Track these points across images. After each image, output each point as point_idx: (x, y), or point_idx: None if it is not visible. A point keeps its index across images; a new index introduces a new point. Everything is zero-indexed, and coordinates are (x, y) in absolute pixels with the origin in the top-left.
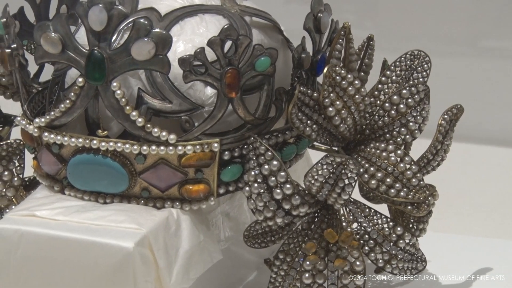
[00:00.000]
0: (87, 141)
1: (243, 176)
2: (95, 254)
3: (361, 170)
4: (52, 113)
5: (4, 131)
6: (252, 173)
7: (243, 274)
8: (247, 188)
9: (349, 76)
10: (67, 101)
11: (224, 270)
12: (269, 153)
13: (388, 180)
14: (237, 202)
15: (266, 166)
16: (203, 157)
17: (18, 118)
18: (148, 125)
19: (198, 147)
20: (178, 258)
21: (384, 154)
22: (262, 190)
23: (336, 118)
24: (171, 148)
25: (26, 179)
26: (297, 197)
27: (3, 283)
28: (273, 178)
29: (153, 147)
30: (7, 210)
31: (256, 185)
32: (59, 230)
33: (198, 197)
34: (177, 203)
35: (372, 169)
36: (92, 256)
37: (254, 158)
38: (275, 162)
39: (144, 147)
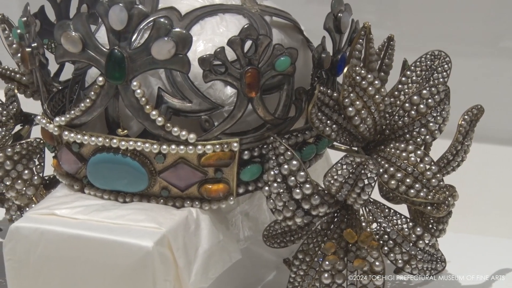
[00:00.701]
0: (107, 140)
1: (263, 175)
2: (115, 253)
3: (381, 170)
4: (72, 112)
5: (24, 130)
6: (272, 172)
7: (262, 274)
8: (267, 188)
9: (369, 76)
10: (87, 100)
11: (243, 269)
12: (289, 152)
13: (407, 180)
14: (257, 201)
15: (286, 166)
16: (223, 157)
17: (39, 117)
18: (168, 125)
19: (217, 146)
20: (197, 258)
21: (404, 154)
22: (281, 190)
23: (356, 118)
24: (190, 147)
25: (46, 177)
26: (316, 197)
27: (23, 282)
28: (293, 178)
29: (173, 147)
30: (27, 209)
31: (275, 184)
32: (78, 229)
33: (217, 196)
34: (197, 203)
35: (391, 169)
36: (112, 255)
37: (274, 158)
38: (294, 162)
39: (164, 147)
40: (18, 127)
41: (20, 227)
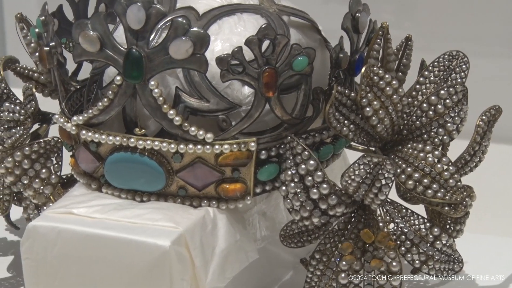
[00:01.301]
0: (125, 139)
1: (280, 175)
2: (132, 252)
3: (398, 170)
4: (90, 111)
5: (42, 129)
6: (289, 172)
7: (279, 274)
8: (284, 188)
9: (387, 76)
10: (105, 100)
11: (260, 269)
12: (306, 152)
13: (425, 180)
14: (274, 201)
15: (303, 166)
16: (240, 156)
17: (56, 116)
18: (186, 124)
19: (235, 146)
20: (214, 257)
21: (421, 154)
22: (298, 190)
23: (374, 118)
24: (208, 147)
25: (64, 176)
26: (333, 197)
27: (40, 280)
28: (310, 178)
29: (190, 146)
30: (45, 208)
31: (292, 184)
32: (96, 228)
33: (234, 196)
34: (214, 202)
35: (409, 169)
36: (129, 254)
37: (291, 158)
38: (312, 162)
39: (181, 146)
40: (36, 126)
41: (38, 226)
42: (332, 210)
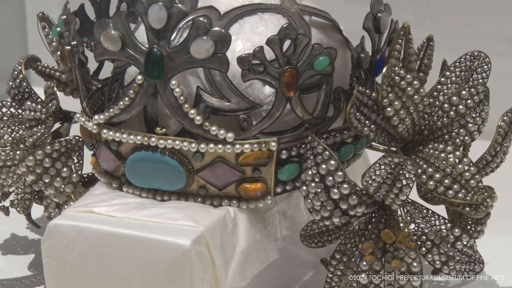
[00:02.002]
0: (146, 138)
1: (301, 175)
2: (152, 251)
3: (419, 170)
4: (111, 110)
5: (63, 128)
6: (310, 172)
7: (300, 274)
8: (304, 188)
9: (408, 76)
10: (126, 99)
11: (280, 269)
12: (327, 152)
13: (446, 181)
14: (294, 201)
15: (324, 166)
16: (261, 156)
17: (78, 115)
18: (206, 123)
19: (255, 145)
20: (235, 257)
21: (442, 155)
22: (319, 190)
23: (395, 118)
24: (229, 146)
25: (85, 175)
26: (354, 197)
27: (60, 279)
28: (331, 178)
29: (211, 145)
30: (66, 206)
31: (313, 184)
32: (116, 227)
33: (255, 195)
34: (234, 202)
35: (430, 170)
36: (149, 253)
37: (312, 158)
38: (332, 162)
39: (202, 145)
40: (57, 125)
41: (58, 224)
42: (353, 210)
